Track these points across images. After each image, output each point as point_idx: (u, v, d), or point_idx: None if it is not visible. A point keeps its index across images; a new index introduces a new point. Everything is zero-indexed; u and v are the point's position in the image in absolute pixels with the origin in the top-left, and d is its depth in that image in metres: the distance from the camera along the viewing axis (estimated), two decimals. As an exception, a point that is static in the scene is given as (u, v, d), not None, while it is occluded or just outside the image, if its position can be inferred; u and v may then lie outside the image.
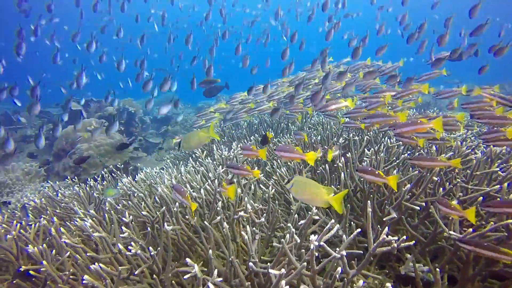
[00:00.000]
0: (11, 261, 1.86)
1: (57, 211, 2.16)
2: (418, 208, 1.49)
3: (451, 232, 1.26)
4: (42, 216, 2.15)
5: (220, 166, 1.76)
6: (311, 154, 1.46)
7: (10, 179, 3.97)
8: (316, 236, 1.09)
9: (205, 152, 2.29)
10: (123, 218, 1.52)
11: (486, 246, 1.11)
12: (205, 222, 1.40)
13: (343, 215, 1.67)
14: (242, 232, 1.25)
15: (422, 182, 1.66)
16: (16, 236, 1.82)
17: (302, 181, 1.37)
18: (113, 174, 2.79)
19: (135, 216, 1.85)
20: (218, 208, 1.41)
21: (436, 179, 1.56)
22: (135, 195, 1.97)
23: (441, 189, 1.46)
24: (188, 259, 1.19)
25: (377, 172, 1.37)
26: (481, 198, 1.44)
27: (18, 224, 2.06)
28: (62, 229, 1.58)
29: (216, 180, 1.58)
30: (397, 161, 1.75)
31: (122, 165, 3.08)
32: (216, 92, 3.26)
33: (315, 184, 1.33)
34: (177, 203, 1.49)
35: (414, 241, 1.26)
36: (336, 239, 1.83)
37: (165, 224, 1.43)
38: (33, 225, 1.98)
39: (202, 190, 1.54)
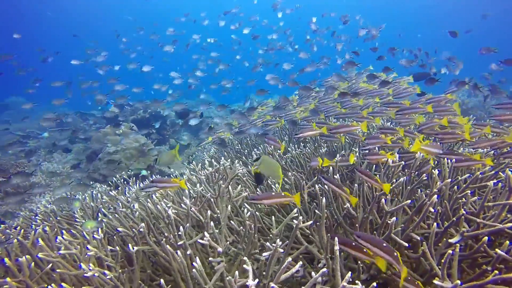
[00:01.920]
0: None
1: (58, 218, 2.25)
2: (406, 244, 1.27)
3: (437, 282, 1.04)
4: (45, 222, 2.24)
5: (198, 184, 1.68)
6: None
7: (44, 180, 4.28)
8: (256, 280, 0.96)
9: (199, 164, 2.23)
10: (94, 235, 1.50)
11: None
12: (167, 245, 1.32)
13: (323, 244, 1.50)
14: (194, 263, 1.15)
15: (421, 212, 1.42)
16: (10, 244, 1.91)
17: (270, 161, 1.70)
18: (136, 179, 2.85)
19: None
20: (179, 233, 1.33)
21: (433, 210, 1.32)
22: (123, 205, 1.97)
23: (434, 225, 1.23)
24: (132, 290, 1.13)
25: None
26: (486, 238, 1.19)
27: (22, 230, 2.17)
28: (41, 241, 1.61)
29: (188, 201, 1.50)
30: (395, 184, 1.52)
31: (131, 173, 3.13)
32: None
33: (278, 166, 1.67)
34: (142, 224, 1.44)
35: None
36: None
37: (129, 245, 1.38)
38: (32, 233, 2.07)
39: (170, 211, 1.47)
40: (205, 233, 1.27)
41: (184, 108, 3.38)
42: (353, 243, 1.15)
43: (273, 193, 1.41)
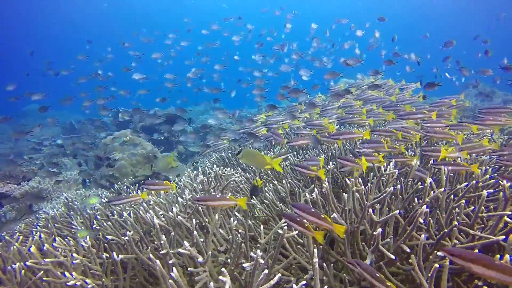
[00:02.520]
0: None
1: (56, 225, 2.28)
2: (392, 257, 1.22)
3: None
4: (43, 229, 2.28)
5: (187, 192, 1.67)
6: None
7: (52, 186, 4.37)
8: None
9: (195, 171, 2.22)
10: (82, 243, 1.51)
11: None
12: (150, 254, 1.31)
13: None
14: (172, 274, 1.13)
15: (412, 221, 1.36)
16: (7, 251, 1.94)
17: (250, 151, 1.74)
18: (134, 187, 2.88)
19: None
20: (161, 242, 1.31)
21: (422, 220, 1.26)
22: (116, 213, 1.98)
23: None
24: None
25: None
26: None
27: (21, 236, 2.21)
28: (33, 248, 1.63)
29: (174, 208, 1.48)
30: (385, 194, 1.47)
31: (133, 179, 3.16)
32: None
33: (260, 153, 1.71)
34: (128, 232, 1.43)
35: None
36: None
37: (113, 253, 1.38)
38: (30, 239, 2.10)
39: (155, 219, 1.45)
40: (185, 242, 1.25)
41: (171, 113, 3.51)
42: (298, 219, 1.20)
43: (219, 196, 1.45)
